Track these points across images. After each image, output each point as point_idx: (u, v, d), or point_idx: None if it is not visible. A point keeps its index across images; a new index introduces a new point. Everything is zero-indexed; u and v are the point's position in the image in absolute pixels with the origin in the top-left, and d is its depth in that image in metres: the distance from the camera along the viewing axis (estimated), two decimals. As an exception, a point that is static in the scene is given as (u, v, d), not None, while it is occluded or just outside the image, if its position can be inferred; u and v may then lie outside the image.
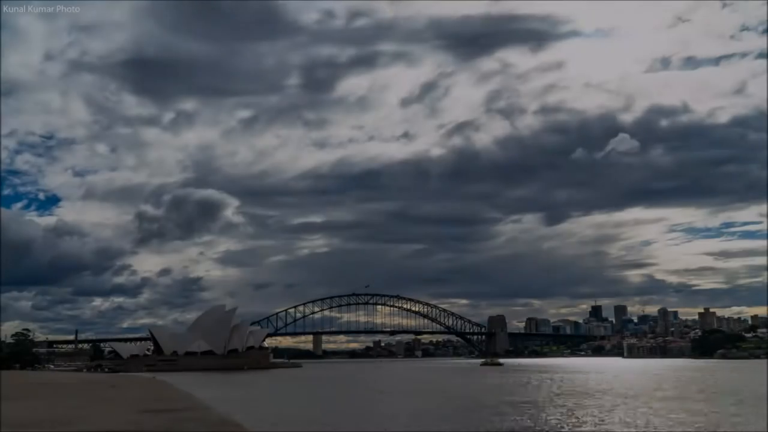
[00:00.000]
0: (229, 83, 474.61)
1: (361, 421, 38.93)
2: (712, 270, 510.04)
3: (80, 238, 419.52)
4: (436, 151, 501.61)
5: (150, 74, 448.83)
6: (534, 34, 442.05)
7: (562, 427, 34.75)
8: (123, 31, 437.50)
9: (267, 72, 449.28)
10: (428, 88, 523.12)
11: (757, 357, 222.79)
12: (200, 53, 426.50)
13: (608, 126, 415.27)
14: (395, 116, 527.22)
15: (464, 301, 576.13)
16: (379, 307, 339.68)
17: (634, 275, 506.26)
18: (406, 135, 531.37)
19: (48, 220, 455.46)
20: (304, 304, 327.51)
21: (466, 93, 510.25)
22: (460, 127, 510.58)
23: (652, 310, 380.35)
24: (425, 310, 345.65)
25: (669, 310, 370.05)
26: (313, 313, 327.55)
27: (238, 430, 20.59)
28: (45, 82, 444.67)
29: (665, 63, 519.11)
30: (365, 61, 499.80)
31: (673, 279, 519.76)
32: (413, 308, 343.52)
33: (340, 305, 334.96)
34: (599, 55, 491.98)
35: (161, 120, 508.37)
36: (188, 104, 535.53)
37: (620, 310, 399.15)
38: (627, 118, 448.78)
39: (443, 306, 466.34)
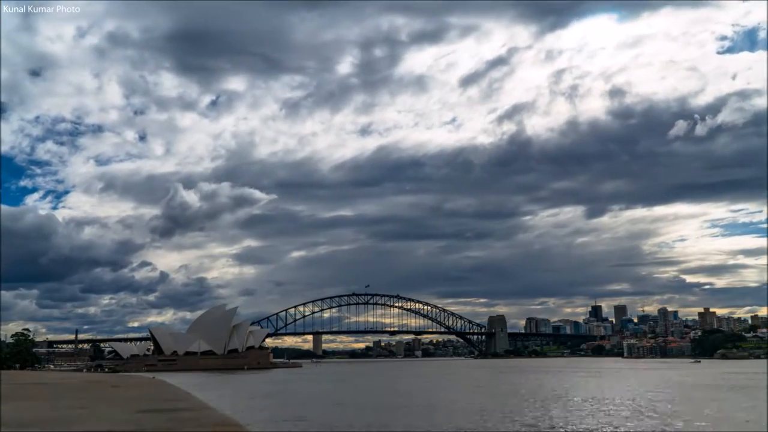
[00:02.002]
0: (282, 57, 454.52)
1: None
2: (744, 267, 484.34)
3: (96, 233, 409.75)
4: (484, 139, 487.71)
5: (194, 49, 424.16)
6: (615, 5, 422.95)
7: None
8: (164, 3, 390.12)
9: (323, 47, 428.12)
10: (493, 65, 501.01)
11: (758, 357, 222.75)
12: (254, 23, 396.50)
13: (676, 112, 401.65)
14: (450, 98, 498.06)
15: (481, 300, 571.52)
16: (379, 307, 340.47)
17: (662, 273, 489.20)
18: (454, 121, 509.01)
19: (64, 213, 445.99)
20: (304, 304, 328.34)
21: (531, 72, 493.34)
22: (516, 110, 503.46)
23: (671, 309, 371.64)
24: (425, 309, 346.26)
25: (669, 309, 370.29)
26: (313, 313, 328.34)
27: (238, 430, 20.57)
28: (78, 59, 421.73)
29: (751, 38, 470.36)
30: (431, 36, 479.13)
31: (701, 278, 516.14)
32: (413, 308, 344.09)
33: (340, 305, 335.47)
34: (684, 29, 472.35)
35: (199, 104, 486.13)
36: (234, 83, 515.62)
37: (620, 310, 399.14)
38: (698, 102, 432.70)
39: (458, 305, 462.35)
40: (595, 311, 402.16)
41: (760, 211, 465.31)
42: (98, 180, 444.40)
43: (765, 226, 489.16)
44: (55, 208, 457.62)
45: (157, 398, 39.42)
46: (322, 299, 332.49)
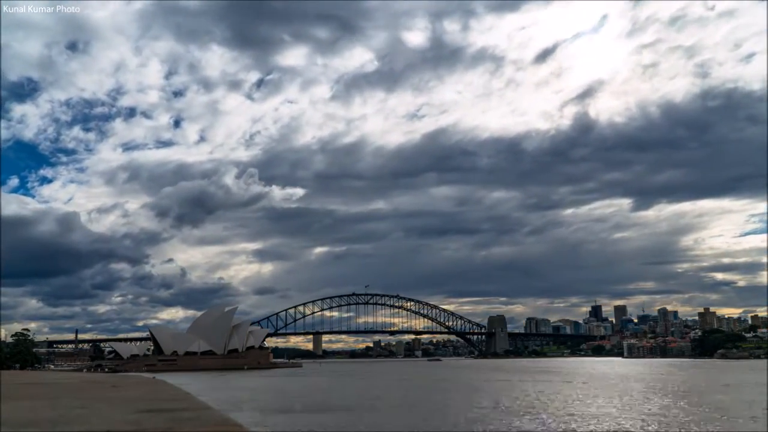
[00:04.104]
0: (352, 26, 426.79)
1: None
2: None
3: (115, 227, 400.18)
4: (541, 125, 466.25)
5: (253, 18, 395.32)
6: None
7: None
8: None
9: (394, 16, 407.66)
10: (574, 38, 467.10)
11: (758, 357, 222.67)
12: None
13: (761, 95, 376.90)
14: (516, 77, 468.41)
15: (501, 299, 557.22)
16: (379, 307, 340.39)
17: (692, 270, 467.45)
18: (512, 104, 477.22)
19: (83, 205, 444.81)
20: (304, 304, 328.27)
21: (612, 46, 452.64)
22: (585, 92, 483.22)
23: (686, 309, 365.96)
24: (425, 309, 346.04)
25: (670, 309, 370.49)
26: (313, 313, 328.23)
27: (238, 430, 20.58)
28: (122, 28, 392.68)
29: None
30: (510, 5, 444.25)
31: (730, 276, 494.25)
32: (413, 308, 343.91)
33: (340, 305, 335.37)
34: None
35: (245, 84, 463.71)
36: (291, 58, 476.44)
37: (620, 310, 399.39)
38: None
39: (474, 304, 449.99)
40: (595, 311, 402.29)
41: None
42: (123, 170, 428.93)
43: None
44: (72, 199, 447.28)
45: (157, 398, 39.44)
46: (322, 299, 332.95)
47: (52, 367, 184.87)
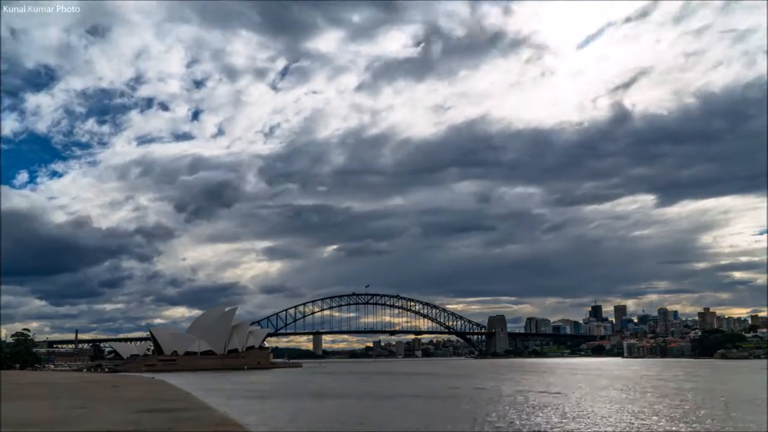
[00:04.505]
0: (391, 9, 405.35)
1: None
2: None
3: (123, 223, 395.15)
4: (574, 117, 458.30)
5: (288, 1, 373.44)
6: None
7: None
8: None
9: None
10: (620, 24, 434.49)
11: (758, 357, 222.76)
12: None
13: None
14: (555, 65, 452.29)
15: (510, 298, 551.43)
16: (379, 307, 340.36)
17: (708, 269, 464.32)
18: (545, 95, 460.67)
19: (92, 200, 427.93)
20: (304, 304, 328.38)
21: (658, 34, 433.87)
22: (625, 81, 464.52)
23: (697, 309, 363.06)
24: (425, 309, 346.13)
25: (669, 309, 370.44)
26: (313, 313, 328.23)
27: (238, 430, 20.60)
28: (145, 11, 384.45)
29: None
30: None
31: (746, 274, 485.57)
32: (413, 308, 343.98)
33: (340, 305, 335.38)
34: None
35: (270, 72, 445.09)
36: (323, 42, 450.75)
37: (620, 310, 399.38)
38: None
39: (482, 304, 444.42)
40: (595, 311, 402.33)
41: None
42: (136, 165, 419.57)
43: None
44: (81, 195, 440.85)
45: (157, 398, 39.46)
46: (322, 299, 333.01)
47: (52, 367, 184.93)
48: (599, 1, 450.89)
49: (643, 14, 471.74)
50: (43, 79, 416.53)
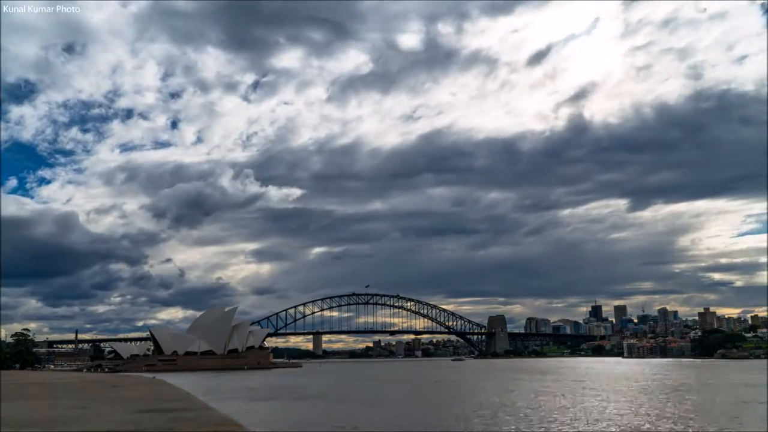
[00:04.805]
0: (346, 29, 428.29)
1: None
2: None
3: (114, 227, 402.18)
4: (536, 126, 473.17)
5: (248, 21, 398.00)
6: None
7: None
8: None
9: (387, 19, 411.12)
10: (567, 41, 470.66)
11: (758, 357, 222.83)
12: None
13: (754, 96, 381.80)
14: (511, 78, 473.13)
15: (500, 299, 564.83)
16: (379, 307, 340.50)
17: (690, 271, 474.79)
18: (508, 105, 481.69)
19: (82, 206, 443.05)
20: (304, 304, 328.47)
21: (605, 48, 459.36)
22: (579, 93, 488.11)
23: (686, 309, 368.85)
24: (425, 309, 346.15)
25: (669, 309, 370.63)
26: (313, 313, 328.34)
27: (238, 430, 20.57)
28: (118, 30, 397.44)
29: None
30: (503, 7, 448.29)
31: (728, 276, 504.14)
32: (413, 308, 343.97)
33: (340, 305, 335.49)
34: None
35: (241, 85, 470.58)
36: (287, 60, 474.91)
37: (620, 310, 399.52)
38: None
39: (473, 305, 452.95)
40: (595, 311, 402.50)
41: None
42: (121, 171, 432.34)
43: None
44: (71, 200, 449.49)
45: (157, 398, 39.42)
46: (322, 299, 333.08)
47: (52, 367, 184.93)
48: (545, 18, 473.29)
49: (588, 32, 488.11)
50: (23, 92, 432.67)
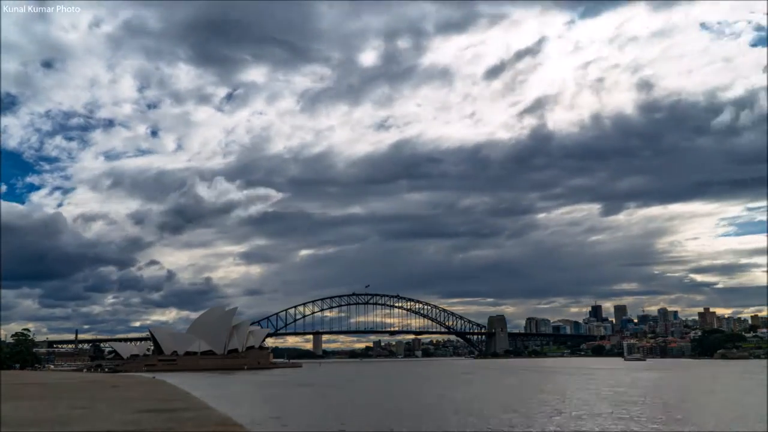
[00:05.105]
0: (306, 45, 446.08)
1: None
2: (756, 267, 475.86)
3: (102, 231, 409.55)
4: (503, 134, 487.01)
5: (215, 38, 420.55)
6: None
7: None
8: None
9: (347, 37, 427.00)
10: (519, 56, 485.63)
11: (758, 357, 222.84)
12: (277, 12, 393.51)
13: (704, 107, 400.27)
14: (472, 91, 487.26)
15: (489, 300, 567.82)
16: (379, 307, 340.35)
17: (673, 272, 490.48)
18: (473, 115, 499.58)
19: (71, 210, 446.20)
20: (304, 304, 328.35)
21: (557, 63, 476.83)
22: (539, 104, 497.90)
23: (672, 308, 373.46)
24: (425, 309, 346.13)
25: (669, 309, 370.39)
26: (313, 313, 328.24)
27: (239, 430, 20.56)
28: (93, 49, 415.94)
29: None
30: (458, 25, 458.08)
31: (710, 277, 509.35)
32: (413, 308, 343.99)
33: (340, 305, 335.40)
34: (719, 18, 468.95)
35: (214, 97, 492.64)
36: (253, 75, 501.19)
37: (620, 310, 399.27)
38: (727, 96, 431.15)
39: (464, 305, 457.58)
40: (595, 311, 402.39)
41: None
42: (106, 177, 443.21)
43: None
44: (61, 204, 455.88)
45: (157, 398, 39.41)
46: (322, 299, 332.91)
47: (52, 367, 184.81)
48: (496, 36, 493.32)
49: (540, 49, 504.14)
50: (5, 104, 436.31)
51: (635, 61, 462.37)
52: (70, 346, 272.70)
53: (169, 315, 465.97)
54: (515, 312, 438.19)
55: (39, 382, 63.50)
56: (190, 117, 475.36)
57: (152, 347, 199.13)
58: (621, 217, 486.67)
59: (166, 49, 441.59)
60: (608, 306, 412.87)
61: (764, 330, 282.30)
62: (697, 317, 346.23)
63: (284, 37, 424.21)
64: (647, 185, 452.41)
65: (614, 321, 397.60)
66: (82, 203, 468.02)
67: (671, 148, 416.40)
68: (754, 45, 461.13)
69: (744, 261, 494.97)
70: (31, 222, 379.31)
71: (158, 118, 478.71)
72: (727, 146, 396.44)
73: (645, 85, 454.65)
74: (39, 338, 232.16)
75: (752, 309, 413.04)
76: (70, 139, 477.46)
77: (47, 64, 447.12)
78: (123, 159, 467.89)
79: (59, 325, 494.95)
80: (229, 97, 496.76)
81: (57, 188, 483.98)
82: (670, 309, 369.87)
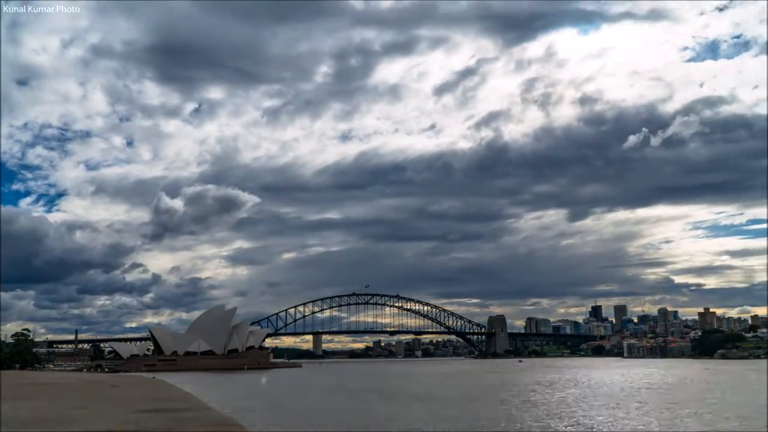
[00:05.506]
0: (259, 69, 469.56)
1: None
2: (730, 268, 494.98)
3: (89, 235, 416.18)
4: (463, 144, 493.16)
5: (175, 61, 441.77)
6: (585, 14, 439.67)
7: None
8: (148, 14, 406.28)
9: (299, 58, 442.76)
10: (464, 75, 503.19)
11: (758, 357, 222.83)
12: (231, 37, 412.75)
13: (646, 118, 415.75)
14: (426, 106, 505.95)
15: (474, 300, 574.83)
16: (379, 307, 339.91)
17: (651, 274, 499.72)
18: (433, 127, 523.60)
19: (57, 217, 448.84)
20: (304, 304, 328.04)
21: (502, 81, 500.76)
22: (491, 118, 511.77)
23: (654, 309, 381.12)
24: (425, 310, 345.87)
25: (669, 310, 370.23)
26: (313, 313, 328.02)
27: (238, 430, 20.56)
28: (64, 69, 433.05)
29: (713, 49, 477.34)
30: (402, 47, 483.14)
31: (689, 278, 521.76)
32: (413, 308, 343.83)
33: (340, 305, 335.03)
34: (646, 41, 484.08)
35: (182, 111, 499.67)
36: (214, 92, 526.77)
37: (620, 310, 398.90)
38: (667, 109, 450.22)
39: (452, 305, 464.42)
40: (595, 311, 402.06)
41: (741, 214, 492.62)
42: (89, 184, 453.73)
43: (749, 228, 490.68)
44: (48, 211, 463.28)
45: (157, 398, 39.43)
46: (321, 299, 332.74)
47: (52, 367, 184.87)
48: (439, 58, 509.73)
49: (483, 68, 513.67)
50: None
51: (575, 78, 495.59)
52: (69, 346, 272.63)
53: (161, 317, 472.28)
54: (502, 312, 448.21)
55: (39, 382, 63.52)
56: (162, 129, 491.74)
57: (152, 347, 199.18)
58: (589, 222, 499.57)
59: (132, 70, 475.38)
60: (586, 307, 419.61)
61: (764, 330, 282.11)
62: (696, 317, 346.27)
63: (235, 63, 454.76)
64: (607, 192, 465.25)
65: (614, 321, 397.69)
66: (67, 209, 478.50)
67: (621, 158, 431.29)
68: (689, 60, 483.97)
69: (719, 263, 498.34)
70: (18, 226, 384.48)
71: (132, 131, 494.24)
72: (675, 155, 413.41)
73: (588, 100, 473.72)
74: (39, 338, 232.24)
75: (737, 309, 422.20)
76: (51, 149, 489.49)
77: (21, 82, 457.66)
78: (102, 169, 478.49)
79: (55, 325, 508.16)
80: (197, 110, 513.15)
81: (43, 195, 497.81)
82: (669, 309, 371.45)
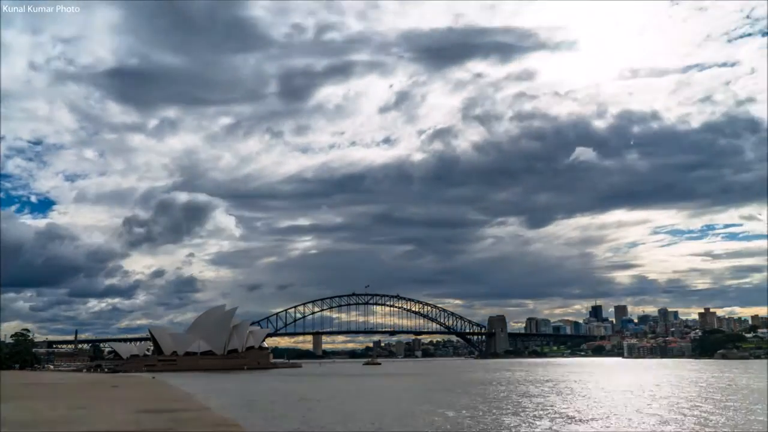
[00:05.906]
0: (209, 92, 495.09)
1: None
2: (700, 271, 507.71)
3: (73, 241, 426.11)
4: (418, 156, 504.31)
5: (131, 83, 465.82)
6: (500, 46, 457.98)
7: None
8: (104, 43, 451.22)
9: (245, 81, 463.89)
10: (404, 96, 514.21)
11: (758, 357, 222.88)
12: (177, 64, 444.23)
13: (582, 132, 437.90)
14: (374, 123, 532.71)
15: (458, 302, 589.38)
16: (378, 307, 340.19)
17: (624, 276, 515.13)
18: (387, 140, 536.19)
19: (41, 223, 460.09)
20: (303, 304, 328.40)
21: (441, 101, 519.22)
22: (440, 133, 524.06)
23: (652, 310, 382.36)
24: (425, 310, 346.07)
25: (669, 310, 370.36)
26: (312, 313, 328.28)
27: (238, 430, 20.55)
28: (31, 92, 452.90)
29: (633, 73, 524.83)
30: (340, 71, 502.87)
31: (663, 280, 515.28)
32: (413, 308, 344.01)
33: (340, 305, 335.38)
34: (566, 65, 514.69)
35: (145, 126, 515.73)
36: (170, 112, 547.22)
37: (620, 310, 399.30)
38: (600, 124, 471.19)
39: (438, 306, 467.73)
40: (596, 311, 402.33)
41: (698, 219, 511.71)
42: (69, 190, 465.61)
43: (716, 231, 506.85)
44: (34, 218, 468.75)
45: (156, 398, 39.43)
46: (322, 299, 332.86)
47: (52, 367, 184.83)
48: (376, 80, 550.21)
49: (420, 89, 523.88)
50: None
51: (507, 98, 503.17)
52: (69, 346, 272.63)
53: (152, 318, 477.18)
54: (489, 313, 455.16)
55: (39, 382, 63.50)
56: (130, 143, 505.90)
57: (152, 347, 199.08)
58: (551, 228, 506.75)
59: (93, 94, 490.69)
60: (571, 308, 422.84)
61: (764, 330, 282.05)
62: (696, 317, 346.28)
63: (184, 88, 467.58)
64: (562, 199, 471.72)
65: (614, 321, 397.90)
66: (50, 217, 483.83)
67: (566, 169, 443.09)
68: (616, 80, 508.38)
69: (687, 266, 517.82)
70: (3, 233, 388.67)
71: (102, 145, 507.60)
72: (620, 165, 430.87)
73: (527, 116, 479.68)
74: (38, 338, 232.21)
75: (725, 311, 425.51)
76: (29, 159, 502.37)
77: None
78: (79, 181, 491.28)
79: (51, 326, 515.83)
80: (159, 126, 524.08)
81: (26, 204, 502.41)
82: (646, 309, 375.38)
